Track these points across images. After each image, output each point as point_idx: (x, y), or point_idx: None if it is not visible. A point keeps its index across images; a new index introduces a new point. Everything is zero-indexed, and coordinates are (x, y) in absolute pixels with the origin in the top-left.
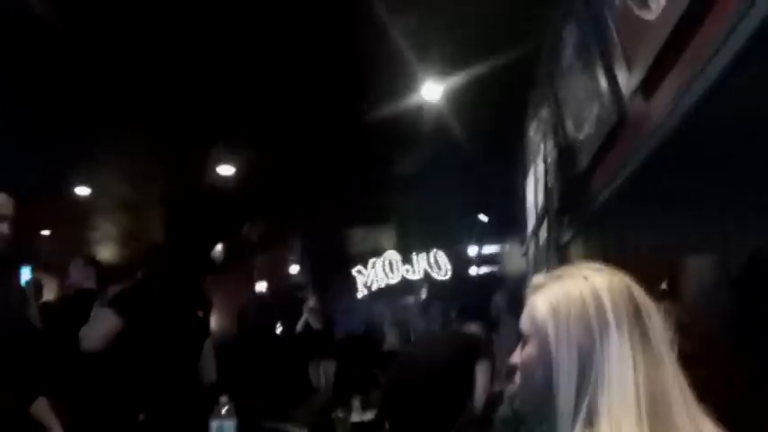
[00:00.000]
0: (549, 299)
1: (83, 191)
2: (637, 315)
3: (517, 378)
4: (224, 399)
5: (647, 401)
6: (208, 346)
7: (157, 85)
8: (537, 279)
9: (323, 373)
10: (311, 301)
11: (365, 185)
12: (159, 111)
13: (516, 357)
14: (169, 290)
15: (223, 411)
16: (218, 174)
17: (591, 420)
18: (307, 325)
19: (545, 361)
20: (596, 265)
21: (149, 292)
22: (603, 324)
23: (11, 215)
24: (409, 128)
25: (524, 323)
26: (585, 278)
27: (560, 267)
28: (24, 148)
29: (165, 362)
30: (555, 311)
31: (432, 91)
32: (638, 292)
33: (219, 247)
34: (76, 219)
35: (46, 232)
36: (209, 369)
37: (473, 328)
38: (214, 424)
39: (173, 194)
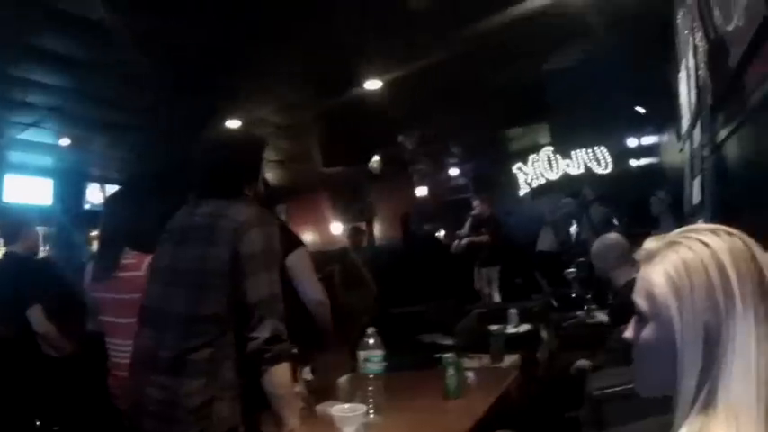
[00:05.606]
0: (668, 271)
1: (234, 123)
2: (762, 285)
3: (635, 358)
4: (371, 329)
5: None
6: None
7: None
8: (649, 245)
9: (487, 279)
10: (475, 207)
11: (518, 83)
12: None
13: (631, 333)
14: None
15: (371, 342)
16: (366, 89)
17: (707, 405)
18: (473, 230)
19: (668, 345)
20: (711, 226)
21: None
22: (729, 297)
23: None
24: (558, 22)
25: (641, 300)
26: (705, 243)
27: (673, 232)
28: None
29: None
30: (676, 288)
31: None
32: (762, 256)
33: (376, 158)
34: None
35: None
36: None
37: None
38: (362, 354)
39: (324, 115)
